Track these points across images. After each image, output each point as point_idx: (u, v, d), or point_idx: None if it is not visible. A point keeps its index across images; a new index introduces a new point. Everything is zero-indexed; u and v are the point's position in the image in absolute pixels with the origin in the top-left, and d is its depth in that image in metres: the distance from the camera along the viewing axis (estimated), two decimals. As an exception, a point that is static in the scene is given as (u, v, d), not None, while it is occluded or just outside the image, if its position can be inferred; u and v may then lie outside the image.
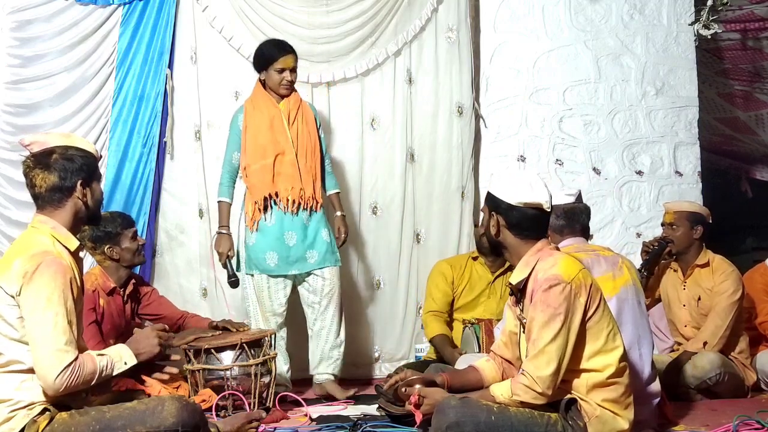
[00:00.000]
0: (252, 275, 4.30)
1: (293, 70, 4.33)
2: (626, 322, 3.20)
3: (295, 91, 4.42)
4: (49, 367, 2.49)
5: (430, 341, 4.39)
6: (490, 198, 2.87)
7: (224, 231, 4.32)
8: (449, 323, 4.50)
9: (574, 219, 3.42)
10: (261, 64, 4.36)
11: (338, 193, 4.57)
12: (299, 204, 4.24)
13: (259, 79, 4.40)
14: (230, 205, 4.37)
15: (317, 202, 4.29)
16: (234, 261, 4.33)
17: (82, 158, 2.69)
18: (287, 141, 4.27)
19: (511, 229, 2.82)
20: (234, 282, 4.28)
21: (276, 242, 4.24)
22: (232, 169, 4.38)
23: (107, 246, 3.90)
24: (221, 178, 4.39)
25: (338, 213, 4.49)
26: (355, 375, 5.03)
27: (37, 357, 2.51)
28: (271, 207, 4.24)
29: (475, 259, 4.55)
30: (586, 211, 3.50)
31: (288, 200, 4.22)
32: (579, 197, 3.48)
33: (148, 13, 5.00)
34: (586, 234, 3.50)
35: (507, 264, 4.48)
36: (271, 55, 4.32)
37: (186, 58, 5.07)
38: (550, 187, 2.86)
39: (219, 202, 4.37)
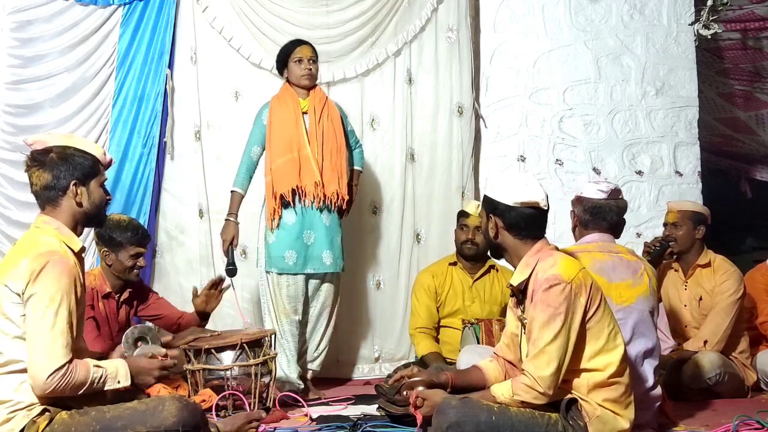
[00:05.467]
0: (269, 273, 4.32)
1: (312, 61, 4.38)
2: (637, 335, 3.18)
3: (319, 87, 4.47)
4: (42, 366, 2.50)
5: (422, 359, 4.39)
6: (487, 200, 2.87)
7: (232, 219, 4.32)
8: (437, 328, 4.55)
9: (600, 215, 3.34)
10: (281, 62, 4.44)
11: (360, 171, 4.68)
12: (322, 199, 4.26)
13: (285, 80, 4.45)
14: (242, 196, 4.35)
15: (342, 198, 4.32)
16: (237, 251, 4.40)
17: (80, 158, 2.69)
18: (312, 137, 4.30)
19: (510, 229, 2.82)
20: (231, 271, 4.27)
21: (296, 241, 4.26)
22: (250, 162, 4.37)
23: (104, 249, 3.90)
24: (238, 169, 4.37)
25: (351, 182, 4.58)
26: (355, 375, 5.03)
27: (32, 355, 2.52)
28: (295, 202, 4.26)
29: (453, 264, 4.57)
30: (616, 209, 3.38)
31: (313, 195, 4.25)
32: (614, 193, 3.41)
33: (148, 13, 5.00)
34: (614, 231, 3.40)
35: (486, 266, 4.52)
36: (288, 48, 4.42)
37: (186, 58, 5.07)
38: (545, 187, 2.87)
39: (232, 191, 4.35)
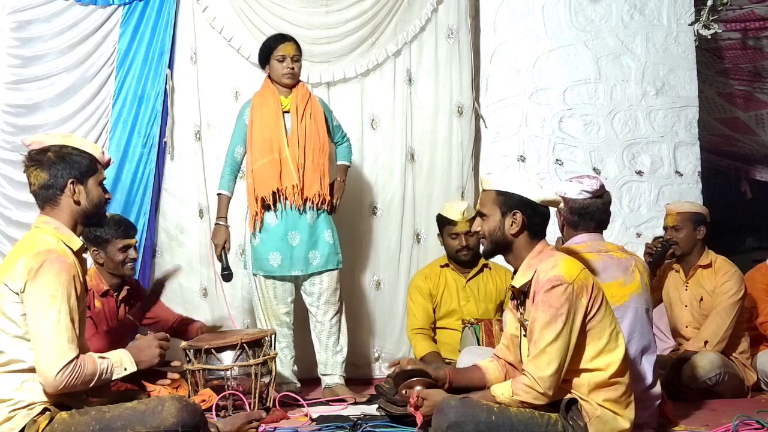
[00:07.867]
0: (257, 276, 4.29)
1: (295, 59, 4.29)
2: (634, 333, 3.18)
3: (302, 83, 4.40)
4: (50, 363, 2.50)
5: (421, 360, 4.38)
6: (509, 196, 2.80)
7: (221, 222, 4.28)
8: (434, 329, 4.54)
9: (588, 216, 3.32)
10: (264, 57, 4.35)
11: (348, 166, 4.57)
12: (305, 199, 4.20)
13: (267, 75, 4.37)
14: (230, 198, 4.32)
15: (324, 199, 4.25)
16: (229, 253, 4.31)
17: (77, 157, 2.70)
18: (293, 137, 4.23)
19: (529, 228, 2.81)
20: (227, 275, 4.25)
21: (280, 242, 4.21)
22: (234, 162, 4.32)
23: (93, 249, 3.89)
24: (222, 170, 4.34)
25: (338, 179, 4.47)
26: (355, 375, 5.03)
27: (39, 353, 2.52)
28: (277, 204, 4.20)
29: (444, 266, 4.56)
30: (603, 206, 3.36)
31: (295, 195, 4.18)
32: (598, 191, 3.39)
33: (148, 13, 5.00)
34: (602, 227, 3.39)
35: (480, 265, 4.51)
36: (271, 45, 4.32)
37: (186, 58, 5.07)
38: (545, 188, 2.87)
39: (218, 194, 4.32)
